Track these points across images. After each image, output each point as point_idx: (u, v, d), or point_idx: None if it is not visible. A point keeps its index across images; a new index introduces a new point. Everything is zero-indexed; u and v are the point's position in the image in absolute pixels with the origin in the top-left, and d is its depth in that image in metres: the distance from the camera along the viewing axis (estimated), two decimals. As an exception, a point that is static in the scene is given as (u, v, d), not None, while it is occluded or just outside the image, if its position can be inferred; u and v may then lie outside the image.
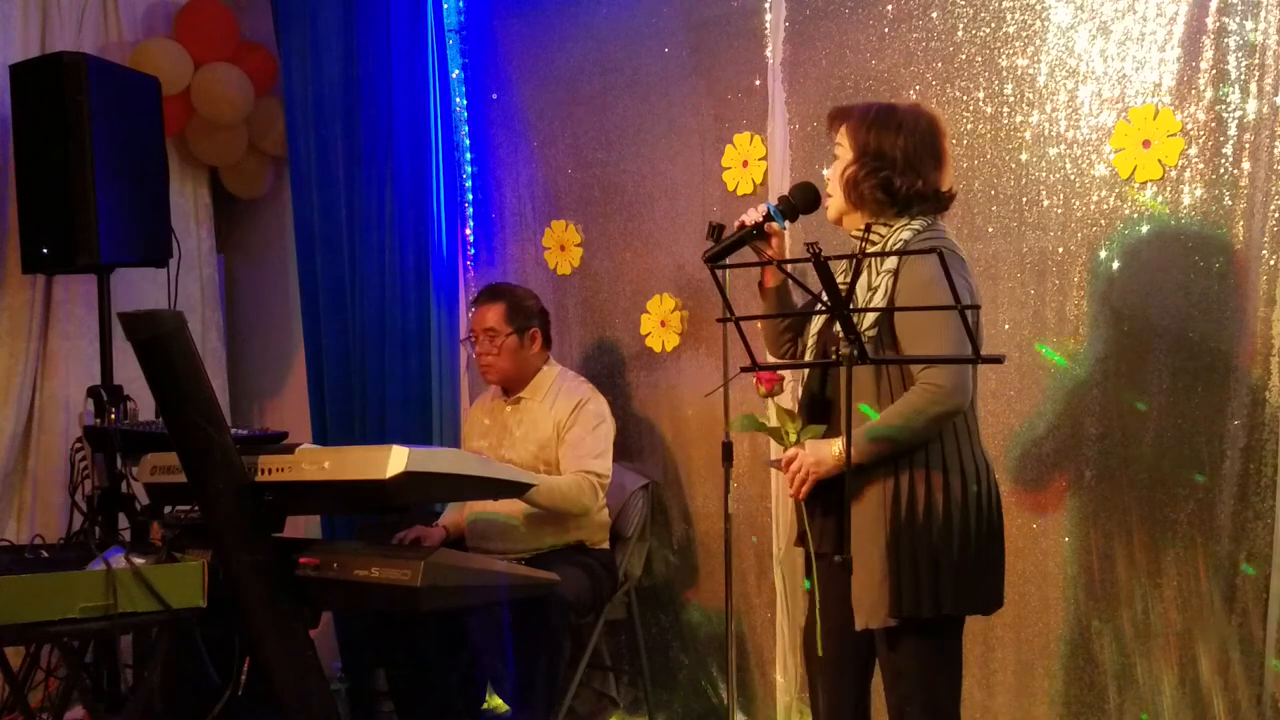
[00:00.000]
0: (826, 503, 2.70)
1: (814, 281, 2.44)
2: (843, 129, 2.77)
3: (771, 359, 2.96)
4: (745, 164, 3.87)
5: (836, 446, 2.60)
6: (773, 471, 3.70)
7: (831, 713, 2.83)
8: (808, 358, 2.80)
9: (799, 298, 2.89)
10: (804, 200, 2.82)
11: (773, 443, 2.77)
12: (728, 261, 2.77)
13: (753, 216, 2.79)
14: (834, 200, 2.77)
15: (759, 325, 2.96)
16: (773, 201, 2.87)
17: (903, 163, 2.67)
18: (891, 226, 2.70)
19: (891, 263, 2.62)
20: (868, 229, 2.73)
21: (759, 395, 2.74)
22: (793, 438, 2.67)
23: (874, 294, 2.65)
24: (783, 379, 2.76)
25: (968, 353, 2.48)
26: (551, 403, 3.83)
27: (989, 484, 2.66)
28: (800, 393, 2.85)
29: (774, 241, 2.82)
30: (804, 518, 2.71)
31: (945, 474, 2.60)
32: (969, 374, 2.61)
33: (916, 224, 2.68)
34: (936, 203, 2.73)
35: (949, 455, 2.62)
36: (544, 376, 3.90)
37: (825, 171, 2.85)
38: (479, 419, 4.03)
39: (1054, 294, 3.28)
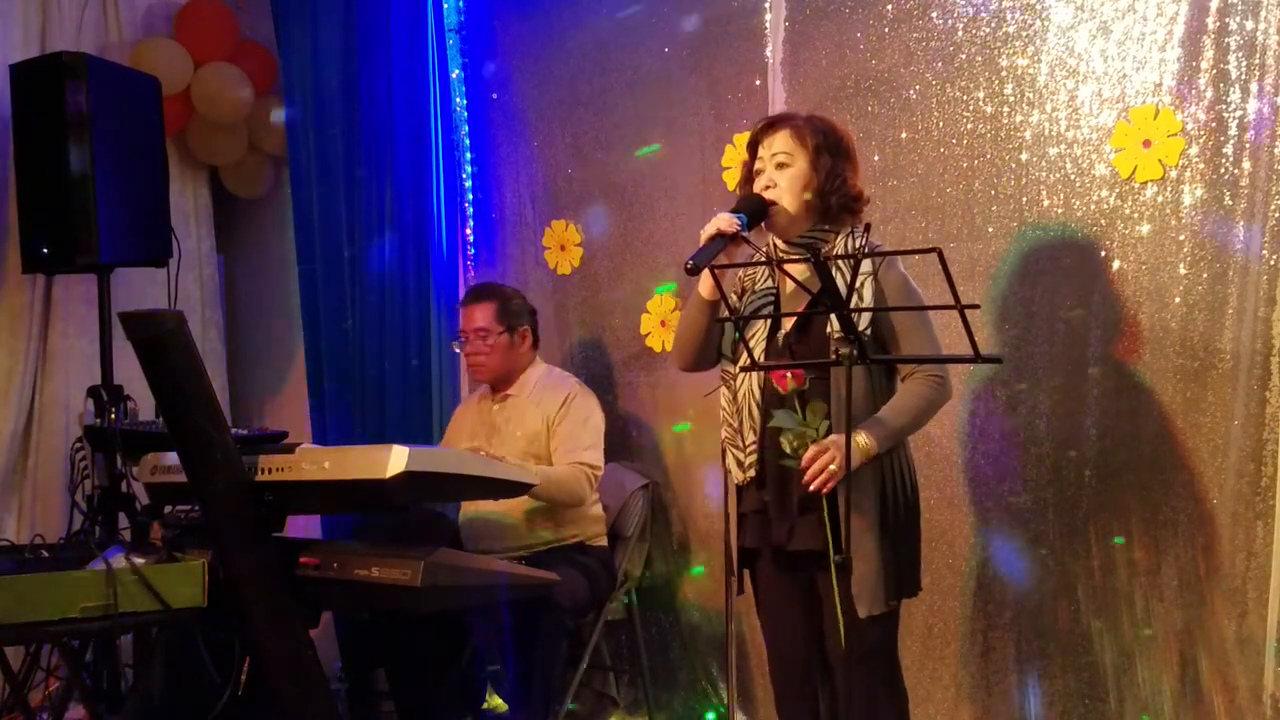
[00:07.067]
0: (802, 502, 2.74)
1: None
2: (787, 137, 2.83)
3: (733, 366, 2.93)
4: (745, 164, 3.87)
5: (861, 438, 2.67)
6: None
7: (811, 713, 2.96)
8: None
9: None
10: (760, 211, 2.84)
11: (784, 441, 2.72)
12: (725, 262, 2.78)
13: (731, 226, 2.76)
14: (784, 208, 2.82)
15: (681, 340, 2.95)
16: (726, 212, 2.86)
17: (853, 171, 2.85)
18: (838, 233, 2.82)
19: (866, 266, 2.67)
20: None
21: (785, 391, 2.69)
22: (818, 435, 2.68)
23: (860, 297, 2.68)
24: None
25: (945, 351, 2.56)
26: (539, 398, 3.84)
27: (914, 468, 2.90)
28: (754, 393, 2.83)
29: (735, 250, 2.83)
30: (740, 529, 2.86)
31: (908, 465, 2.82)
32: None
33: (860, 230, 2.80)
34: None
35: (908, 448, 2.84)
36: (530, 373, 3.91)
37: (761, 179, 2.86)
38: (464, 421, 4.02)
39: (1053, 294, 3.28)
